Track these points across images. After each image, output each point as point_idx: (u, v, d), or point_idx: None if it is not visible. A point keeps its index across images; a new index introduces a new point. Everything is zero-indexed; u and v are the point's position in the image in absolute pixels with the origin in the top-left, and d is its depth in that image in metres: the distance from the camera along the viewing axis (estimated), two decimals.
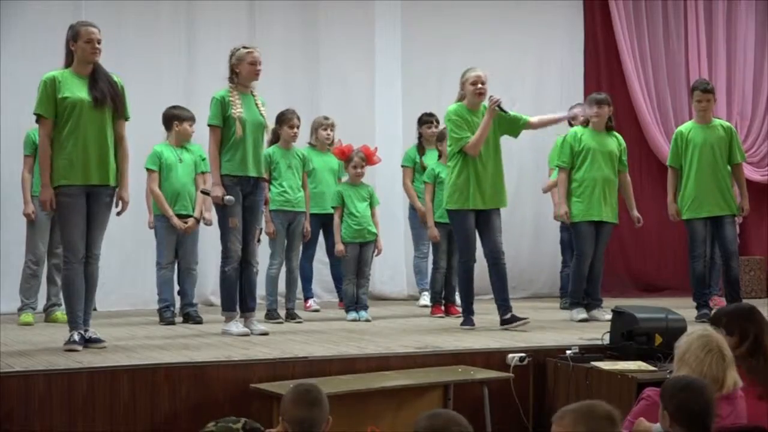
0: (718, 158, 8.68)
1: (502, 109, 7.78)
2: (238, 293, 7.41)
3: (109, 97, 6.49)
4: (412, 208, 9.67)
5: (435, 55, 10.91)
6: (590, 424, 3.27)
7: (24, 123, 8.11)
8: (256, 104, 7.41)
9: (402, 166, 9.80)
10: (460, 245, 8.08)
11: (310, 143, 9.35)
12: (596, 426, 3.29)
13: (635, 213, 8.87)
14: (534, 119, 8.13)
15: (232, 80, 7.35)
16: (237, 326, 7.29)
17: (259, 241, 7.95)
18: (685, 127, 8.89)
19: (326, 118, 9.37)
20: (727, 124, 9.11)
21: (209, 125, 7.33)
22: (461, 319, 8.01)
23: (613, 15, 11.46)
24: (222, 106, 7.27)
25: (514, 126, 7.99)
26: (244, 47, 7.41)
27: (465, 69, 8.02)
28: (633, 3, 11.57)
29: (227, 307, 7.41)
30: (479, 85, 7.86)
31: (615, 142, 8.73)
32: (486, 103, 7.87)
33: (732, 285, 8.65)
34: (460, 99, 7.96)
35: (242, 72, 7.31)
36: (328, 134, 9.26)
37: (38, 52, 9.05)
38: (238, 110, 7.23)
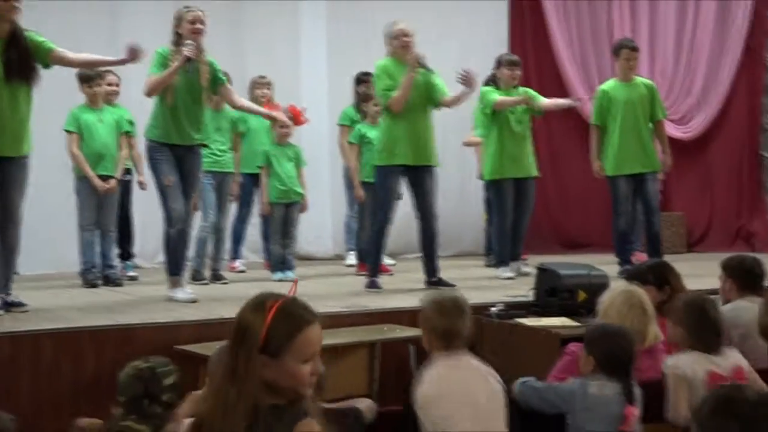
0: (640, 116, 8.79)
1: (423, 66, 7.75)
2: (183, 256, 7.25)
3: (19, 72, 6.24)
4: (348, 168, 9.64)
5: (361, 13, 10.85)
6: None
7: None
8: (202, 66, 7.08)
9: (339, 125, 9.75)
10: (377, 204, 7.99)
11: None
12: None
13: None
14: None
15: (176, 43, 7.05)
16: (184, 292, 7.07)
17: (195, 208, 7.85)
18: (608, 85, 8.99)
19: (262, 77, 9.29)
20: (649, 81, 9.21)
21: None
22: (367, 281, 7.87)
23: None
24: (163, 63, 6.98)
25: (432, 94, 7.86)
26: (185, 7, 7.15)
27: (390, 23, 7.97)
28: None
29: (172, 271, 7.19)
30: (404, 38, 7.80)
31: (532, 97, 8.86)
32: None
33: (653, 241, 8.80)
34: (390, 55, 7.92)
35: (183, 33, 7.04)
36: (264, 93, 9.17)
37: None
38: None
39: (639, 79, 9.04)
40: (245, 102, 7.73)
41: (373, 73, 7.98)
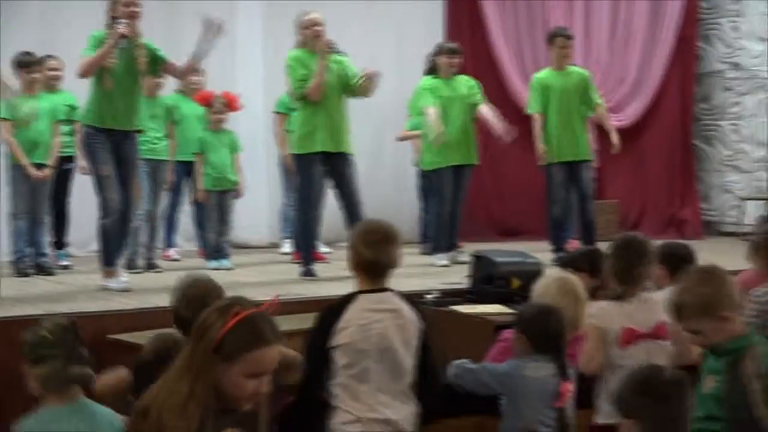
0: (574, 104, 8.89)
1: (334, 50, 7.76)
2: (118, 247, 7.16)
3: None
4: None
5: None
6: None
7: None
8: (139, 49, 6.99)
9: (274, 112, 9.71)
10: (302, 193, 7.96)
11: (179, 90, 9.20)
12: None
13: (495, 123, 8.91)
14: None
15: (111, 26, 6.92)
16: (118, 281, 6.99)
17: (138, 195, 7.76)
18: (543, 74, 9.07)
19: None
20: (583, 70, 9.31)
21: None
22: (302, 269, 7.88)
23: None
24: (97, 45, 6.86)
25: (347, 82, 7.86)
26: None
27: (300, 13, 7.94)
28: None
29: (106, 261, 7.11)
30: (315, 27, 7.78)
31: (465, 85, 8.88)
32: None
33: (587, 228, 8.91)
34: (301, 45, 7.89)
35: (118, 15, 6.89)
36: (196, 80, 9.09)
37: None
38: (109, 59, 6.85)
39: (573, 68, 9.12)
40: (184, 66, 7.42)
41: (286, 63, 7.93)
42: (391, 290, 4.16)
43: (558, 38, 9.01)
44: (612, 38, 12.10)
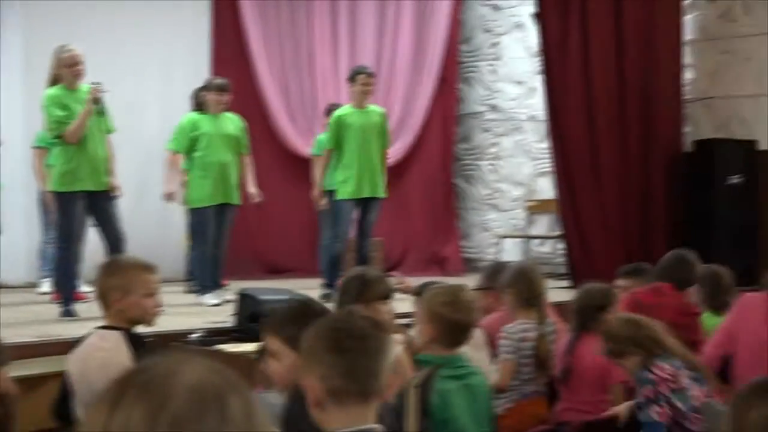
0: (372, 142, 9.03)
1: (98, 102, 7.59)
2: None
3: None
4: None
5: (60, 27, 10.47)
6: None
7: None
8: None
9: (34, 147, 9.40)
10: (62, 230, 7.71)
11: None
12: None
13: (251, 189, 9.05)
14: None
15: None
16: None
17: None
18: (343, 111, 9.17)
19: None
20: (382, 109, 9.49)
21: None
22: (61, 309, 7.65)
23: (241, 0, 11.49)
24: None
25: (105, 124, 7.78)
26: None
27: (58, 47, 7.69)
28: None
29: None
30: (76, 68, 7.59)
31: (233, 125, 8.87)
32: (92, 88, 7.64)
33: (363, 262, 9.06)
34: (55, 80, 7.66)
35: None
36: None
37: None
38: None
39: (372, 107, 9.27)
40: None
41: (43, 102, 7.68)
42: None
43: (360, 75, 9.13)
44: (376, 77, 12.31)
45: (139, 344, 4.30)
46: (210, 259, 8.72)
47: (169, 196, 9.09)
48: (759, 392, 2.14)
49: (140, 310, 4.30)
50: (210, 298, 8.57)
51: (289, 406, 3.15)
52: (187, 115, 8.98)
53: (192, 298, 8.84)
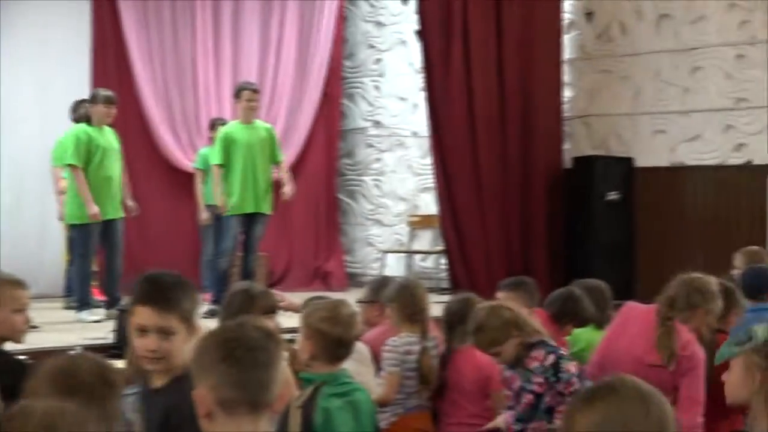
0: (259, 158, 8.98)
1: None
2: None
3: None
4: None
5: None
6: None
7: None
8: None
9: None
10: None
11: None
12: None
13: (130, 202, 8.94)
14: None
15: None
16: None
17: None
18: (231, 126, 9.12)
19: None
20: (269, 125, 9.46)
21: None
22: None
23: (122, 11, 11.29)
24: None
25: None
26: None
27: None
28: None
29: None
30: None
31: (115, 138, 8.77)
32: None
33: (248, 277, 9.01)
34: None
35: None
36: None
37: None
38: None
39: (259, 122, 9.23)
40: None
41: None
42: None
43: (245, 91, 9.09)
44: (260, 93, 12.26)
45: (7, 361, 4.16)
46: (89, 275, 8.58)
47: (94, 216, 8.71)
48: (588, 399, 2.18)
49: (8, 327, 4.16)
50: (91, 314, 8.41)
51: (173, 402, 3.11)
52: (77, 127, 8.75)
53: (71, 314, 8.66)
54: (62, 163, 8.97)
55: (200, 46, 11.84)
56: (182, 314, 3.27)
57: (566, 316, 5.99)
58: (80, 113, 8.90)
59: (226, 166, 8.97)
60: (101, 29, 11.29)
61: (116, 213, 8.69)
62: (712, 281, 5.08)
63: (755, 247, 7.48)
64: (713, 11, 10.50)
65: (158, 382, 3.28)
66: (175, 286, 3.30)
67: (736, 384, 3.32)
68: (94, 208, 8.42)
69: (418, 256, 12.33)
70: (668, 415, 2.16)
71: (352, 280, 12.50)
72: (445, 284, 10.93)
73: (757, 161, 10.27)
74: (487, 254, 10.43)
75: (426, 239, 12.28)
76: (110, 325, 6.90)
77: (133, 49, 11.37)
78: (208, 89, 11.79)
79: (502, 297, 6.13)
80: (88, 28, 11.21)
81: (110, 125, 8.79)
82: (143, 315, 3.25)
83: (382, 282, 6.28)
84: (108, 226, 8.62)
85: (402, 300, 5.50)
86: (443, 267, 11.13)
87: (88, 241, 8.55)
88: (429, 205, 11.89)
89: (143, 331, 3.24)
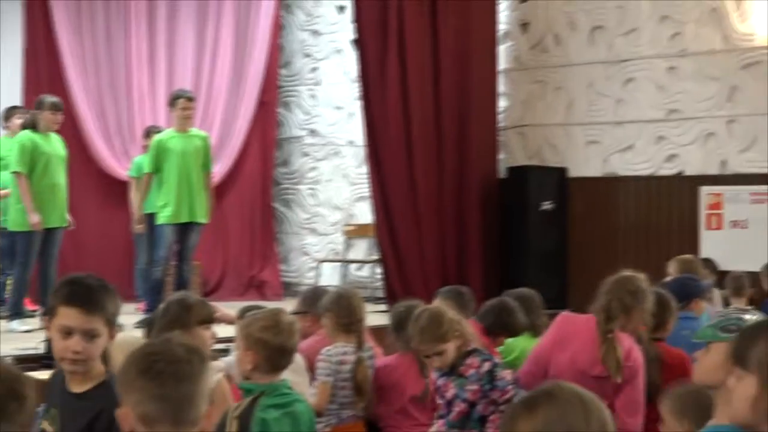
0: (193, 167, 8.92)
1: None
2: None
3: None
4: None
5: None
6: None
7: None
8: None
9: None
10: None
11: None
12: None
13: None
14: None
15: None
16: None
17: None
18: (165, 134, 9.06)
19: None
20: (205, 134, 9.39)
21: None
22: None
23: (54, 16, 11.17)
24: None
25: None
26: None
27: None
28: (74, 3, 11.35)
29: None
30: None
31: (61, 145, 8.70)
32: None
33: (182, 286, 8.96)
34: None
35: None
36: None
37: None
38: None
39: (194, 131, 9.18)
40: None
41: None
42: None
43: (180, 100, 9.02)
44: (196, 102, 12.17)
45: None
46: (27, 284, 8.49)
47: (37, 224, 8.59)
48: (529, 405, 2.18)
49: None
50: (22, 324, 8.29)
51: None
52: (22, 133, 8.65)
53: (2, 324, 8.53)
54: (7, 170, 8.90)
55: (134, 52, 11.74)
56: (107, 317, 3.22)
57: (500, 327, 6.03)
58: (27, 120, 8.76)
59: (159, 174, 8.92)
60: (33, 35, 11.17)
61: (60, 222, 8.60)
62: (641, 278, 5.13)
63: (689, 256, 7.58)
64: (645, 23, 10.64)
65: (78, 387, 3.22)
66: (100, 289, 3.26)
67: (711, 368, 3.37)
68: (35, 218, 8.33)
69: (353, 266, 12.33)
70: (608, 420, 2.18)
71: (288, 289, 12.46)
72: (380, 293, 10.93)
73: (688, 172, 10.42)
74: (423, 264, 10.45)
75: (361, 248, 12.28)
76: (41, 335, 6.78)
77: (66, 54, 11.24)
78: (142, 96, 11.70)
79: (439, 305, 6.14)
80: (20, 33, 11.08)
81: (56, 132, 8.73)
82: (69, 316, 3.19)
83: (315, 292, 6.28)
84: (49, 234, 8.52)
85: (338, 310, 5.49)
86: (378, 276, 11.13)
87: (30, 249, 8.44)
88: (365, 214, 11.90)
89: (68, 333, 3.18)
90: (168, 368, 2.49)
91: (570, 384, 2.25)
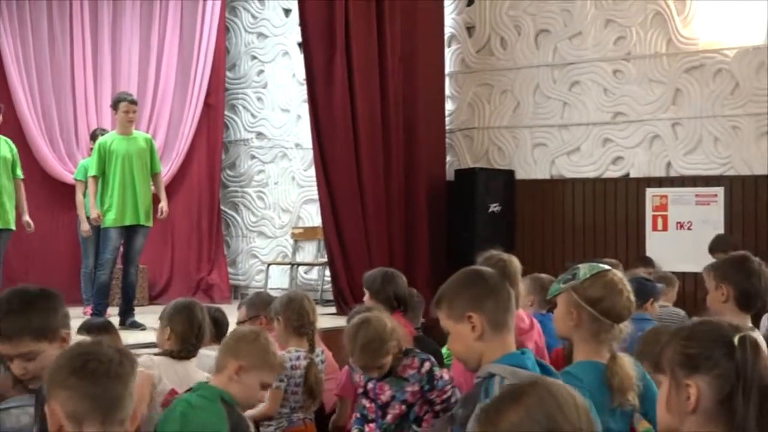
0: (137, 169, 8.88)
1: None
2: None
3: None
4: None
5: None
6: None
7: None
8: None
9: None
10: None
11: None
12: None
13: (26, 218, 8.85)
14: None
15: None
16: None
17: None
18: (109, 137, 9.01)
19: None
20: (147, 136, 9.36)
21: None
22: None
23: None
24: None
25: None
26: None
27: None
28: (17, 3, 11.20)
29: None
30: None
31: (7, 148, 8.61)
32: None
33: (127, 290, 8.91)
34: None
35: None
36: None
37: None
38: None
39: (138, 133, 9.14)
40: None
41: None
42: None
43: (122, 103, 8.97)
44: (141, 102, 12.09)
45: None
46: None
47: None
48: (510, 398, 2.19)
49: None
50: None
51: None
52: None
53: None
54: None
55: (78, 54, 11.62)
56: (35, 334, 3.19)
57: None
58: None
59: (103, 177, 8.87)
60: None
61: (7, 224, 8.51)
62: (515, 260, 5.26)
63: (613, 260, 7.56)
64: (590, 27, 10.74)
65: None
66: (19, 309, 3.22)
67: (559, 319, 3.51)
68: None
69: (302, 268, 12.31)
70: (588, 408, 2.19)
71: (236, 292, 12.42)
72: (329, 296, 10.92)
73: (634, 174, 10.53)
74: (371, 266, 10.37)
75: (310, 251, 12.27)
76: None
77: (8, 56, 11.09)
78: (87, 99, 11.59)
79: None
80: None
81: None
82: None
83: (260, 296, 6.27)
84: None
85: (289, 313, 5.47)
86: (327, 279, 11.12)
87: None
88: (313, 216, 11.90)
89: (8, 359, 3.19)
90: (100, 367, 2.53)
91: (552, 378, 2.29)
